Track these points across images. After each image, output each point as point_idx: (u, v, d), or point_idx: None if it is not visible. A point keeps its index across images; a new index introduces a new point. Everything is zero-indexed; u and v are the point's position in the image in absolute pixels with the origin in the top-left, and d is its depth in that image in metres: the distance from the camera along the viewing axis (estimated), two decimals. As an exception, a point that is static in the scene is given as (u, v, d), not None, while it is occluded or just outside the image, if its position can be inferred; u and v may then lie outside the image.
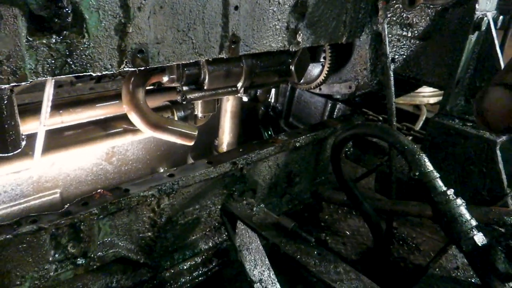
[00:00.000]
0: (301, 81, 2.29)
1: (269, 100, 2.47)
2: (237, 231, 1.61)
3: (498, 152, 1.74)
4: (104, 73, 1.15)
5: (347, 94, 2.31)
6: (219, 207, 1.77)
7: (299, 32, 1.64)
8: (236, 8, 1.38)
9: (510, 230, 1.29)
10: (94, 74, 1.12)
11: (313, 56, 2.21)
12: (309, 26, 1.67)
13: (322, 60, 2.21)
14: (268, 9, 1.49)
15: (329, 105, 2.49)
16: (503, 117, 1.38)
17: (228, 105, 2.12)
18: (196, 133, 1.77)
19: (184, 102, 1.73)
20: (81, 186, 2.03)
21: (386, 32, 1.74)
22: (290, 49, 1.65)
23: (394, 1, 1.89)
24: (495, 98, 1.37)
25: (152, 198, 1.45)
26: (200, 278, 1.79)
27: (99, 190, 1.36)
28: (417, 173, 1.47)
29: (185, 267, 1.75)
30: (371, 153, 2.86)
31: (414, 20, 1.87)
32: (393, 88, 1.77)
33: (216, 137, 2.25)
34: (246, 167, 1.79)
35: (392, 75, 1.75)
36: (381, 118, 2.50)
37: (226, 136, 2.19)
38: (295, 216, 2.33)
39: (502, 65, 1.86)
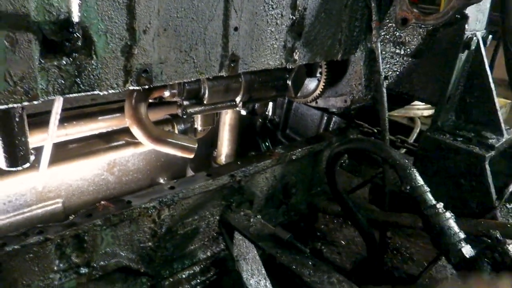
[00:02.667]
0: (298, 95, 2.36)
1: (267, 113, 2.54)
2: (234, 241, 1.67)
3: (487, 166, 1.81)
4: (110, 91, 1.21)
5: (342, 107, 2.39)
6: (217, 217, 1.82)
7: (296, 50, 1.71)
8: (236, 29, 1.45)
9: (495, 243, 1.35)
10: (101, 93, 1.19)
11: (309, 71, 2.28)
12: (306, 45, 1.75)
13: (318, 75, 2.28)
14: (266, 29, 1.56)
15: (325, 118, 2.55)
16: None
17: (227, 118, 2.19)
18: (196, 146, 1.83)
19: (185, 116, 1.79)
20: (83, 196, 2.08)
21: (380, 51, 1.81)
22: (287, 67, 1.72)
23: (388, 21, 1.97)
24: None
25: (153, 210, 1.51)
26: (198, 287, 1.84)
27: (102, 202, 1.41)
28: (408, 187, 1.54)
29: (184, 276, 1.80)
30: (366, 164, 2.93)
31: (407, 38, 1.95)
32: (386, 104, 1.85)
33: (215, 149, 2.31)
34: (244, 179, 1.85)
35: (384, 91, 1.82)
36: (375, 131, 2.57)
37: (224, 148, 2.25)
38: (291, 227, 2.39)
39: (491, 82, 1.93)
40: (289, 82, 2.12)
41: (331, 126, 2.54)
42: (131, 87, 1.25)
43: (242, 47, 1.50)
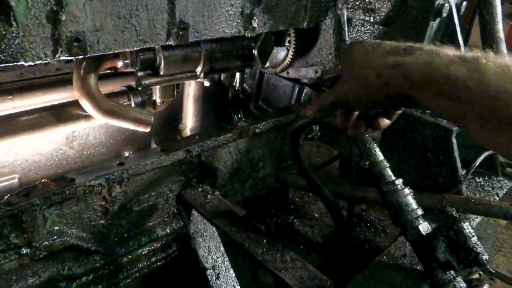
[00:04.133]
0: (267, 64, 2.26)
1: (234, 84, 2.44)
2: (191, 218, 1.62)
3: (453, 140, 1.76)
4: (37, 62, 1.11)
5: (313, 78, 2.29)
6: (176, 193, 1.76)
7: (255, 17, 1.60)
8: (183, -7, 1.33)
9: (451, 220, 1.31)
10: (26, 64, 1.09)
11: (278, 40, 2.17)
12: (266, 11, 1.63)
13: (287, 44, 2.17)
14: (219, -6, 1.45)
15: (297, 89, 2.46)
16: None
17: (190, 89, 2.09)
18: (151, 119, 1.75)
19: (140, 88, 1.70)
20: (41, 171, 2.01)
21: (345, 18, 1.71)
22: (246, 35, 1.62)
23: (357, -15, 1.85)
24: None
25: (100, 188, 1.44)
26: (158, 263, 1.80)
27: (43, 180, 1.34)
28: (367, 163, 1.48)
29: (143, 253, 1.76)
30: (345, 135, 2.87)
31: (377, 5, 1.84)
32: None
33: (180, 122, 2.23)
34: (204, 154, 1.78)
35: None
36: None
37: (189, 121, 2.17)
38: (260, 201, 2.35)
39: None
40: (254, 52, 2.02)
41: (302, 97, 2.45)
42: (62, 57, 1.15)
43: (192, 13, 1.39)
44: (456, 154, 1.77)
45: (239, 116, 2.78)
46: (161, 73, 1.71)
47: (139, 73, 1.68)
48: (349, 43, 1.26)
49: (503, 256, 2.68)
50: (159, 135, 2.25)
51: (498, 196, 1.99)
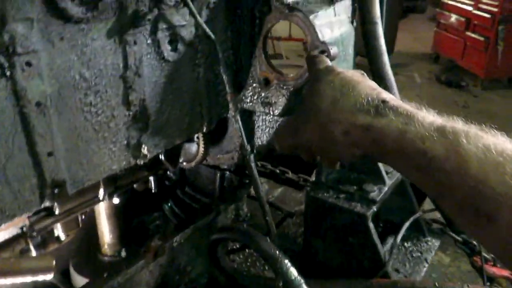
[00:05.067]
0: (181, 160, 2.18)
1: (149, 186, 2.33)
2: None
3: (370, 224, 1.74)
4: None
5: (232, 164, 2.25)
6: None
7: (143, 144, 1.53)
8: (50, 154, 1.24)
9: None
10: None
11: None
12: (156, 133, 1.57)
13: (196, 139, 2.12)
14: (96, 138, 1.36)
15: (218, 174, 2.40)
16: None
17: (101, 208, 1.97)
18: (53, 264, 1.61)
19: (34, 234, 1.56)
20: None
21: (240, 124, 1.67)
22: (138, 163, 1.54)
23: (251, 81, 1.83)
24: None
25: None
26: None
27: None
28: (280, 284, 1.42)
29: None
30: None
31: (273, 99, 1.83)
32: (258, 179, 1.71)
33: (97, 241, 2.09)
34: (119, 288, 1.66)
35: (254, 168, 1.69)
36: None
37: (106, 239, 2.03)
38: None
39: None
40: (161, 157, 1.94)
41: (225, 182, 2.39)
42: None
43: (65, 167, 1.29)
44: (375, 237, 1.76)
45: (169, 205, 2.67)
46: (56, 212, 1.59)
47: (30, 218, 1.55)
48: (316, 70, 1.18)
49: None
50: (76, 257, 2.10)
51: (427, 262, 1.99)
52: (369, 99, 0.89)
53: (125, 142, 1.47)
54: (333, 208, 1.80)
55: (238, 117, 1.67)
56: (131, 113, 1.45)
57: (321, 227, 1.88)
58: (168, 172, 2.64)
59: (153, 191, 2.15)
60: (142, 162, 1.55)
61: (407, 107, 0.86)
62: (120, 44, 1.37)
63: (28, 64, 1.14)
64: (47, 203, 1.27)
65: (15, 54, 1.10)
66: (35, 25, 1.13)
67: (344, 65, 1.89)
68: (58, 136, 1.25)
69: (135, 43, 1.41)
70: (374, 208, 1.75)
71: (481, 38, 9.60)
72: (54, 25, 1.18)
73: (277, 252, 1.42)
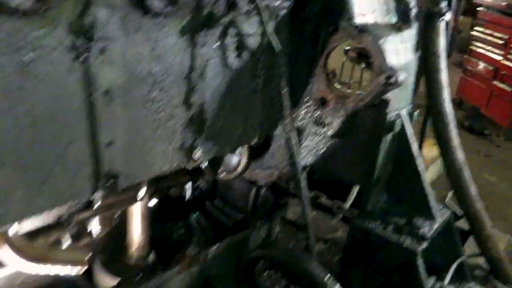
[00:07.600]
0: (220, 170, 2.13)
1: (183, 193, 2.27)
2: None
3: (419, 262, 1.64)
4: None
5: (269, 181, 2.18)
6: None
7: (197, 148, 1.48)
8: (110, 143, 1.19)
9: None
10: None
11: (229, 147, 2.06)
12: (210, 139, 1.52)
13: (240, 150, 2.06)
14: (153, 135, 1.32)
15: (253, 190, 2.34)
16: None
17: (135, 208, 1.91)
18: (85, 257, 1.55)
19: (69, 225, 1.51)
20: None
21: (295, 142, 1.60)
22: (187, 168, 1.49)
23: (307, 99, 1.79)
24: None
25: None
26: None
27: None
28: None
29: None
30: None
31: (328, 119, 1.77)
32: (307, 199, 1.64)
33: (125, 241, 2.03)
34: (148, 293, 1.58)
35: (304, 186, 1.62)
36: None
37: (135, 240, 1.97)
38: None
39: (419, 164, 1.79)
40: (204, 165, 1.89)
41: (259, 199, 2.32)
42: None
43: (121, 161, 1.25)
44: (424, 277, 1.65)
45: (196, 214, 2.60)
46: (96, 205, 1.54)
47: (69, 209, 1.50)
48: None
49: None
50: (102, 254, 2.03)
51: (472, 309, 1.87)
52: None
53: (179, 143, 1.42)
54: (379, 240, 1.70)
55: (295, 134, 1.61)
56: (189, 114, 1.41)
57: (363, 258, 1.78)
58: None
59: (186, 198, 2.10)
60: (191, 167, 1.50)
61: None
62: (190, 43, 1.34)
63: (103, 51, 1.12)
64: (98, 194, 1.22)
65: (92, 39, 1.08)
66: (116, 13, 1.11)
67: (403, 93, 1.83)
68: (119, 128, 1.21)
69: (204, 45, 1.39)
70: (425, 245, 1.65)
71: (508, 89, 9.43)
72: (133, 16, 1.16)
73: (328, 275, 1.34)
